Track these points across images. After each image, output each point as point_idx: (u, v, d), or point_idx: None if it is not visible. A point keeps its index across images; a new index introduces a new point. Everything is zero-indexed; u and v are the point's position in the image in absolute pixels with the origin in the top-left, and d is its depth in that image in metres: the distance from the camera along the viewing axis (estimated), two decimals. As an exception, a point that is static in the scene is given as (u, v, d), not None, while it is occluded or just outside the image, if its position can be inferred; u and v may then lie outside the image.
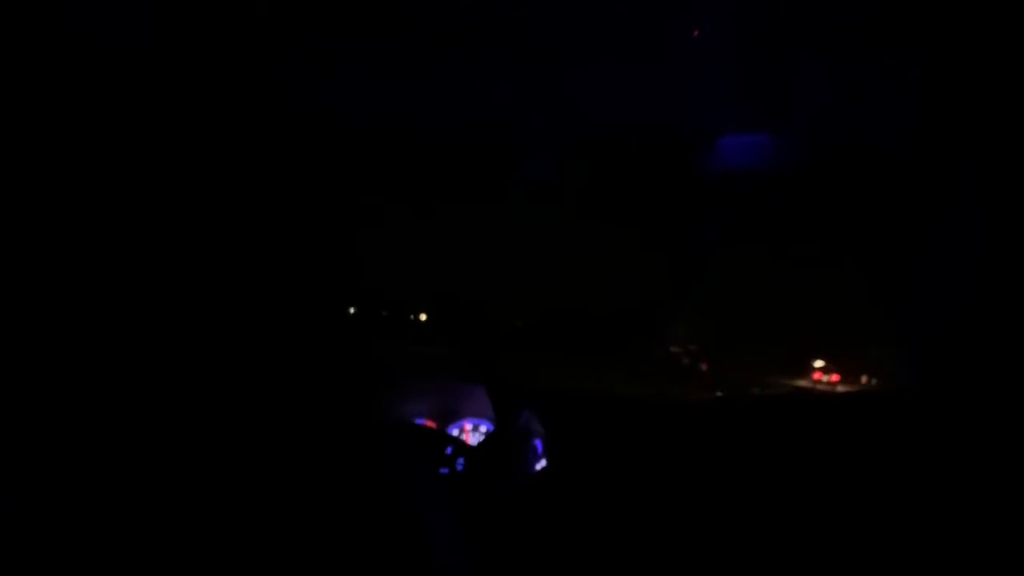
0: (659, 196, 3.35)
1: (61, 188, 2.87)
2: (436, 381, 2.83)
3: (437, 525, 2.30)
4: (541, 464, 2.61)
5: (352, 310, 3.19)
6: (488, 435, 2.72)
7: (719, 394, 3.31)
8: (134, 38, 2.78)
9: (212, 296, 2.94)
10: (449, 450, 2.55)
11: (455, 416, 2.82)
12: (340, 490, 2.36)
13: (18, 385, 2.55)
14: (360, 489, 2.35)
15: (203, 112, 2.97)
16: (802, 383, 3.46)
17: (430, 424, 2.93)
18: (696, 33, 2.81)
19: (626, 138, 3.18)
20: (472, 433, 2.94)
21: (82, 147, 2.90)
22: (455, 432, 2.95)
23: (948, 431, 2.52)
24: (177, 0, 2.75)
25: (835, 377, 3.63)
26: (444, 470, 2.52)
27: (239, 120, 3.03)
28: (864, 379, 3.39)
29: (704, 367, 3.39)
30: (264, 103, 3.00)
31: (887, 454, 2.53)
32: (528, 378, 2.89)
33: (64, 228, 2.86)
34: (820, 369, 3.67)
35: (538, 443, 2.63)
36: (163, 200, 2.95)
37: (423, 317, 3.19)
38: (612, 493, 2.51)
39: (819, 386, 3.55)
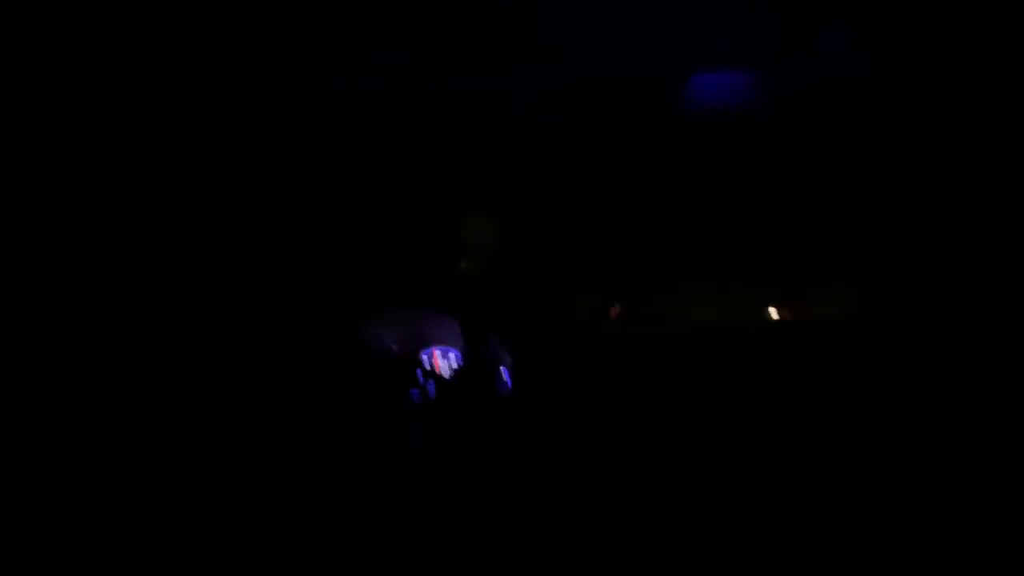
0: (626, 137, 3.37)
1: (61, 187, 2.88)
2: (405, 308, 2.89)
3: (411, 445, 2.42)
4: (507, 389, 2.72)
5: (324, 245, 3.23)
6: (458, 361, 2.79)
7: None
8: (134, 38, 2.78)
9: (209, 289, 2.94)
10: (419, 374, 2.63)
11: (424, 343, 2.86)
12: (315, 414, 2.47)
13: (18, 385, 2.56)
14: (334, 411, 2.47)
15: (203, 112, 2.97)
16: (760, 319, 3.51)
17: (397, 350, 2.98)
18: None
19: (599, 78, 3.19)
20: (441, 360, 2.98)
21: (82, 147, 2.90)
22: (424, 359, 3.00)
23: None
24: (177, 0, 2.75)
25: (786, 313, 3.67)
26: (415, 392, 2.62)
27: (239, 120, 3.03)
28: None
29: (614, 312, 3.43)
30: (264, 103, 3.00)
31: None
32: (494, 309, 3.02)
33: (64, 227, 2.86)
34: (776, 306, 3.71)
35: (504, 370, 2.74)
36: (163, 198, 2.95)
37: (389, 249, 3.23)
38: (572, 417, 2.67)
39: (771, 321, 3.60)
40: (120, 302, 2.83)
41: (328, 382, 2.57)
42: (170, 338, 2.81)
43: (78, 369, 2.65)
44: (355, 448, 2.43)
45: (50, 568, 2.27)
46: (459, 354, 2.80)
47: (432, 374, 2.67)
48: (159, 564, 2.36)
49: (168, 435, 2.63)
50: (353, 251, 3.18)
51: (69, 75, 2.79)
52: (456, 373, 2.75)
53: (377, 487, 2.37)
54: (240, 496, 2.52)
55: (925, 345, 2.71)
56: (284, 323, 2.87)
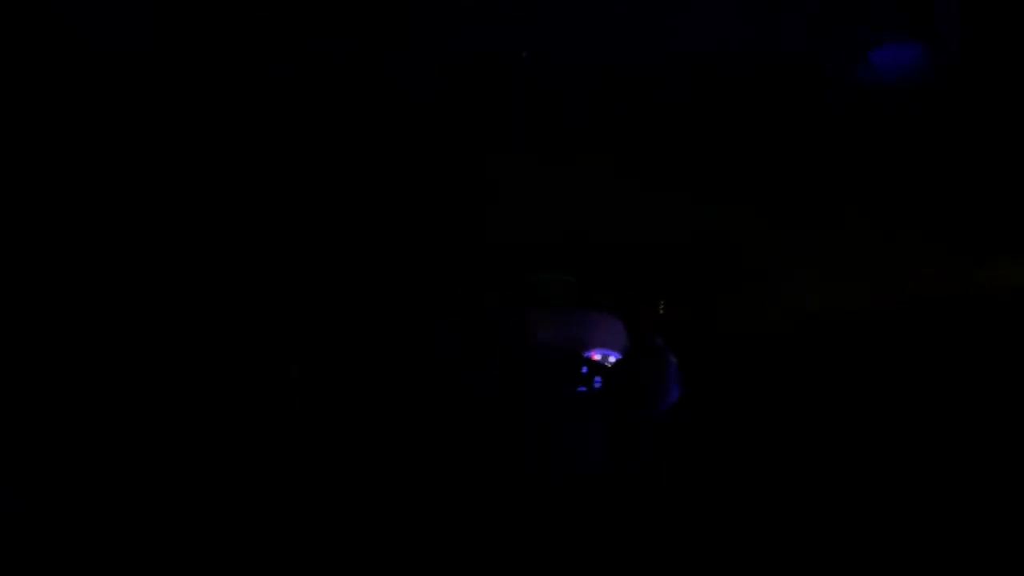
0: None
1: (62, 187, 2.88)
2: (564, 310, 2.84)
3: (578, 441, 2.42)
4: (675, 390, 2.70)
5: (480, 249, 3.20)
6: (623, 357, 2.74)
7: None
8: (134, 38, 2.78)
9: (211, 290, 2.94)
10: (585, 370, 2.59)
11: (583, 346, 2.82)
12: (480, 412, 2.47)
13: (18, 385, 2.56)
14: (500, 408, 2.47)
15: (203, 112, 2.97)
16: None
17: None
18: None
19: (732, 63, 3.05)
20: (602, 364, 2.95)
21: (82, 147, 2.90)
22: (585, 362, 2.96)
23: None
24: (177, 0, 2.75)
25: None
26: (582, 388, 2.59)
27: (239, 120, 3.03)
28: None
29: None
30: (264, 103, 3.00)
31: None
32: (658, 312, 3.00)
33: (65, 227, 2.86)
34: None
35: (672, 369, 2.72)
36: (163, 199, 2.95)
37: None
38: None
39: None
40: (121, 302, 2.83)
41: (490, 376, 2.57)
42: (173, 339, 2.81)
43: (78, 369, 2.66)
44: (519, 440, 2.44)
45: (50, 568, 2.28)
46: (620, 358, 2.76)
47: (599, 368, 2.63)
48: (159, 564, 2.36)
49: (170, 435, 2.63)
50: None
51: (69, 75, 2.79)
52: (623, 367, 2.70)
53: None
54: (245, 498, 2.52)
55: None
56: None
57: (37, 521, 2.33)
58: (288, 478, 2.61)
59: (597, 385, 2.57)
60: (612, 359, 2.69)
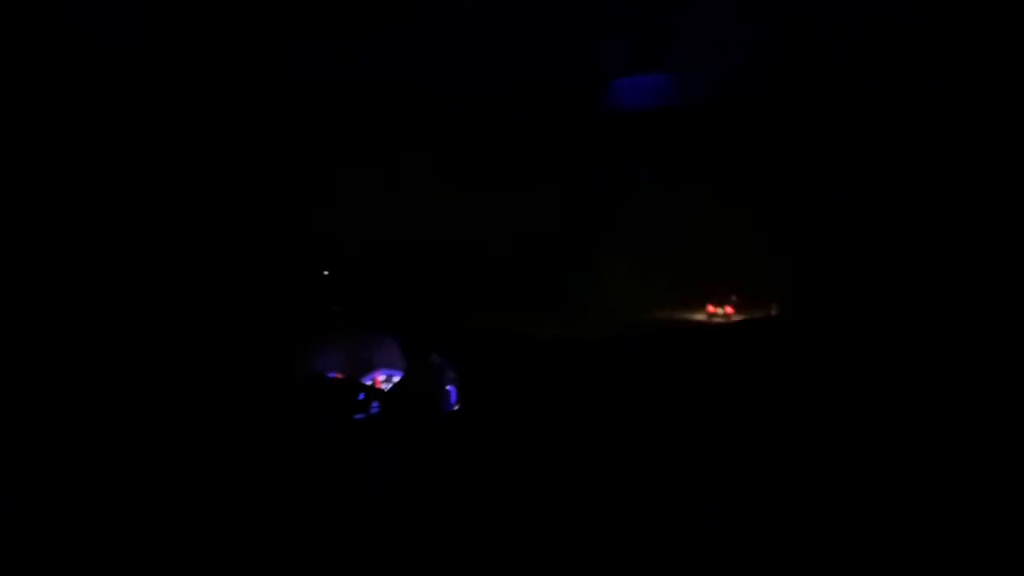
0: (564, 139, 3.38)
1: (61, 187, 2.88)
2: (345, 335, 2.90)
3: (356, 467, 2.45)
4: (454, 407, 2.75)
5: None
6: (399, 380, 2.81)
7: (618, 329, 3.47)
8: (134, 38, 2.79)
9: (214, 294, 2.94)
10: (361, 396, 2.65)
11: (367, 368, 2.88)
12: (262, 445, 2.49)
13: (18, 385, 2.56)
14: (280, 441, 2.49)
15: (203, 112, 2.98)
16: (699, 317, 3.77)
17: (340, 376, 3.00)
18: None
19: (518, 79, 3.17)
20: (384, 384, 3.01)
21: (82, 146, 2.91)
22: (368, 383, 3.01)
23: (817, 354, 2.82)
24: (177, 0, 2.75)
25: (729, 309, 4.01)
26: (359, 416, 2.65)
27: (239, 119, 3.03)
28: (753, 312, 3.69)
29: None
30: (263, 101, 3.01)
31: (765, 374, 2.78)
32: (440, 324, 3.05)
33: (64, 226, 2.86)
34: (713, 303, 4.07)
35: (452, 389, 2.76)
36: (162, 198, 2.96)
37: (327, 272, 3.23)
38: (524, 427, 2.73)
39: (714, 319, 3.92)
40: (120, 301, 2.83)
41: (269, 405, 2.60)
42: (169, 338, 2.81)
43: (78, 369, 2.66)
44: (299, 471, 2.46)
45: (50, 568, 2.28)
46: (403, 376, 2.83)
47: (375, 394, 2.69)
48: (159, 564, 2.36)
49: (169, 434, 2.64)
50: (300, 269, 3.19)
51: (69, 75, 2.79)
52: (399, 391, 2.77)
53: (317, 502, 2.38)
54: (237, 497, 2.53)
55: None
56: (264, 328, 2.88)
57: (37, 521, 2.33)
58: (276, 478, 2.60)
59: (374, 410, 2.64)
60: (395, 378, 2.75)
